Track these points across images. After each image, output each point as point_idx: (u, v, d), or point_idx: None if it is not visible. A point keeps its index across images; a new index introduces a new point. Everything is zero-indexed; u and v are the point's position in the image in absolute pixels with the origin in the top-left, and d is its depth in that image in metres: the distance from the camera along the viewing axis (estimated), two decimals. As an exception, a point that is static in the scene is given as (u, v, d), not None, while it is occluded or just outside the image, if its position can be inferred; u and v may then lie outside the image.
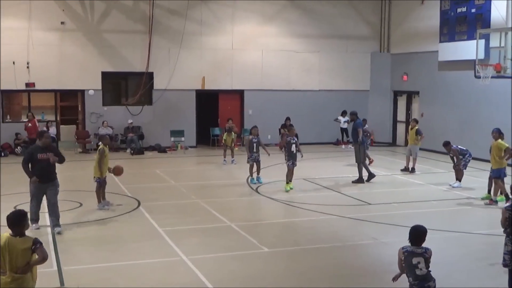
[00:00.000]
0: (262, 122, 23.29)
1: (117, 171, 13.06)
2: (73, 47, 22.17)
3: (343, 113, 24.60)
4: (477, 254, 9.79)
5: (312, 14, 25.03)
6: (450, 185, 15.67)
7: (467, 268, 9.16)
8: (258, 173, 16.15)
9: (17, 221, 5.96)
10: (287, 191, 14.72)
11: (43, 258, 5.89)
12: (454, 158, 15.58)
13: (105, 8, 22.52)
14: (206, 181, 16.79)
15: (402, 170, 18.27)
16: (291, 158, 14.91)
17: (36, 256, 5.89)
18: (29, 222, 6.26)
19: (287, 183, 14.97)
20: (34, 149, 10.85)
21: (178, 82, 23.45)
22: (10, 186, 14.93)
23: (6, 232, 5.98)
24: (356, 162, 16.55)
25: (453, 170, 15.86)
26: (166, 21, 23.19)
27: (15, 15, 21.32)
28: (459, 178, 15.64)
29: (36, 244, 5.87)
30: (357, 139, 16.42)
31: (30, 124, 21.20)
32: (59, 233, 10.58)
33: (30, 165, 10.70)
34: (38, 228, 10.80)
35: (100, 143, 13.34)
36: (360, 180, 16.16)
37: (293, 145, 14.92)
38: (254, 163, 16.16)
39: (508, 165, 14.01)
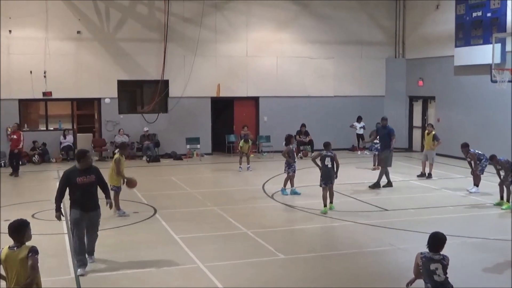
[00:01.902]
0: (277, 128, 23.35)
1: (131, 184, 12.74)
2: (89, 56, 22.38)
3: (359, 119, 24.56)
4: (495, 260, 9.67)
5: (326, 20, 25.01)
6: (468, 190, 15.55)
7: (485, 274, 9.06)
8: (292, 185, 15.33)
9: (17, 230, 5.91)
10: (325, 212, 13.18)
11: (32, 266, 5.71)
12: (472, 162, 15.45)
13: (120, 17, 22.71)
14: (222, 188, 16.81)
15: (418, 175, 18.15)
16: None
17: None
18: (30, 232, 5.98)
19: (331, 203, 13.38)
20: (72, 172, 9.08)
21: (193, 89, 23.54)
22: (29, 195, 15.06)
23: (6, 246, 5.95)
24: (379, 166, 17.03)
25: (471, 176, 15.75)
26: (181, 29, 23.32)
27: (32, 25, 21.58)
28: (476, 183, 15.51)
29: (29, 252, 5.76)
30: (389, 144, 16.61)
31: (15, 136, 18.55)
32: (82, 275, 8.82)
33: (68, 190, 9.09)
34: (83, 275, 8.84)
35: (117, 151, 13.39)
36: (376, 185, 16.12)
37: (328, 159, 13.23)
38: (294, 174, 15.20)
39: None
